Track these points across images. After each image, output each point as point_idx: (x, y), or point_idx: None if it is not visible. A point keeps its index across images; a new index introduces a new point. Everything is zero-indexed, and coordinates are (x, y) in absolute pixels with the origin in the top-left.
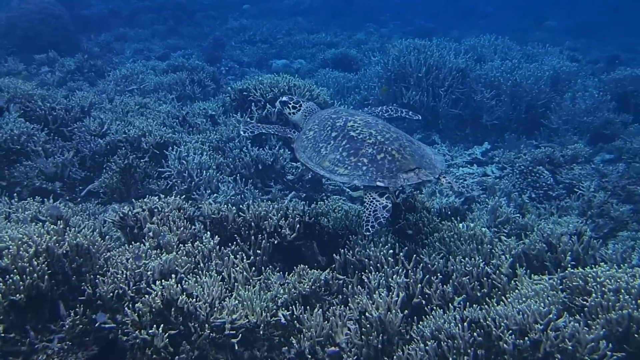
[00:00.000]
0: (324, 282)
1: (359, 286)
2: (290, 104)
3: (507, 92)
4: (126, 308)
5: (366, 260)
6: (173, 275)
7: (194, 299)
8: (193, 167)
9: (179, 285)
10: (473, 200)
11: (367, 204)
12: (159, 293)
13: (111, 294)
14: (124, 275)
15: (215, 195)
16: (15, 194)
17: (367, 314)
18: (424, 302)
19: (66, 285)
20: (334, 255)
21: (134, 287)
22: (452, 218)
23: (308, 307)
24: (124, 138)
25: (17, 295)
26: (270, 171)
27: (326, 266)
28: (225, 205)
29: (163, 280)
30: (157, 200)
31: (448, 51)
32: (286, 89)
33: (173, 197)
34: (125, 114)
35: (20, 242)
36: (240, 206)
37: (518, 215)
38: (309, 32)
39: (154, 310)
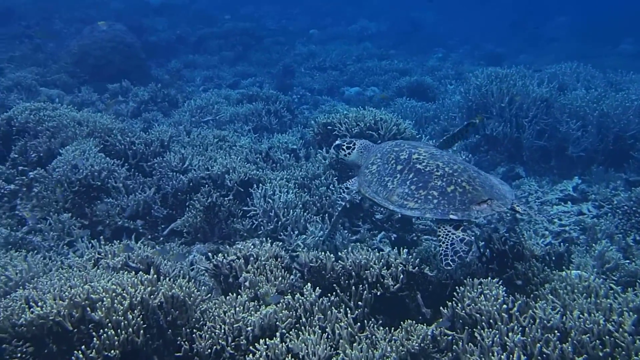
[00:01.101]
0: (431, 338)
1: (470, 344)
2: (343, 146)
3: (593, 123)
4: None
5: (477, 315)
6: (277, 334)
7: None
8: (279, 206)
9: (283, 344)
10: (572, 242)
11: (443, 237)
12: (264, 353)
13: (209, 350)
14: (222, 330)
15: (304, 236)
16: (101, 237)
17: None
18: None
19: (161, 339)
20: (441, 308)
21: (232, 344)
22: (563, 266)
23: None
24: (207, 175)
25: (112, 351)
26: (358, 210)
27: (431, 319)
28: (323, 253)
29: (267, 339)
30: (252, 247)
31: (531, 80)
32: (372, 123)
33: (269, 244)
34: (205, 148)
35: (114, 294)
36: (339, 253)
37: (627, 261)
38: (378, 58)
39: None
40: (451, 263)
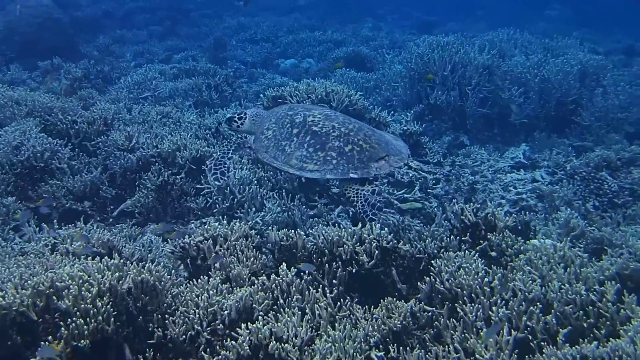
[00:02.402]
0: (410, 314)
1: (451, 319)
2: (235, 117)
3: (535, 89)
4: (203, 353)
5: (458, 289)
6: (259, 317)
7: (283, 343)
8: (235, 182)
9: (266, 327)
10: (530, 210)
11: (354, 196)
12: (247, 338)
13: (183, 336)
14: (197, 315)
15: (262, 213)
16: (54, 220)
17: (476, 355)
18: (530, 337)
19: (131, 326)
20: (419, 283)
21: (208, 329)
22: (529, 236)
23: (399, 345)
24: (156, 153)
25: (82, 341)
26: (314, 184)
27: (407, 295)
28: (293, 231)
29: (245, 323)
30: (219, 226)
31: (472, 47)
32: (324, 94)
33: (238, 223)
34: (150, 126)
35: (80, 281)
36: (309, 230)
37: (593, 228)
38: (310, 29)
39: (243, 357)
40: (374, 217)
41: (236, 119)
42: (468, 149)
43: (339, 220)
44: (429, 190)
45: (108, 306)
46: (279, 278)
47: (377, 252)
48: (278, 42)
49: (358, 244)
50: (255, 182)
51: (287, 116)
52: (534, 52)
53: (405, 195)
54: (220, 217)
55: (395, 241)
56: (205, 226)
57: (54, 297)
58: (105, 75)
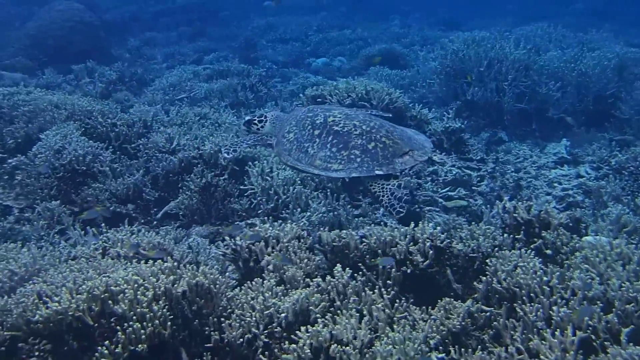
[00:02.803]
0: (468, 314)
1: (510, 319)
2: (255, 120)
3: (572, 83)
4: (261, 356)
5: (517, 289)
6: (318, 320)
7: (344, 345)
8: (279, 183)
9: (326, 328)
10: (577, 206)
11: (380, 191)
12: (307, 341)
13: (240, 340)
14: (254, 318)
15: (307, 213)
16: (102, 224)
17: (541, 356)
18: (592, 336)
19: (186, 330)
20: (474, 283)
21: (265, 332)
22: (581, 232)
23: (460, 346)
24: (198, 154)
25: (139, 345)
26: (357, 183)
27: (463, 295)
28: (345, 231)
29: (304, 325)
30: (271, 228)
31: (507, 42)
32: (364, 93)
33: (290, 225)
34: (190, 127)
35: (136, 285)
36: (361, 231)
37: None
38: (339, 27)
39: None
40: (401, 210)
41: (256, 121)
42: (507, 145)
43: (384, 219)
44: (473, 188)
45: (164, 310)
46: (334, 279)
47: (431, 251)
48: (308, 41)
49: (411, 243)
50: (299, 182)
51: (307, 118)
52: (569, 46)
53: (449, 193)
54: (265, 217)
55: (449, 240)
56: (257, 228)
57: (110, 302)
58: (139, 77)
